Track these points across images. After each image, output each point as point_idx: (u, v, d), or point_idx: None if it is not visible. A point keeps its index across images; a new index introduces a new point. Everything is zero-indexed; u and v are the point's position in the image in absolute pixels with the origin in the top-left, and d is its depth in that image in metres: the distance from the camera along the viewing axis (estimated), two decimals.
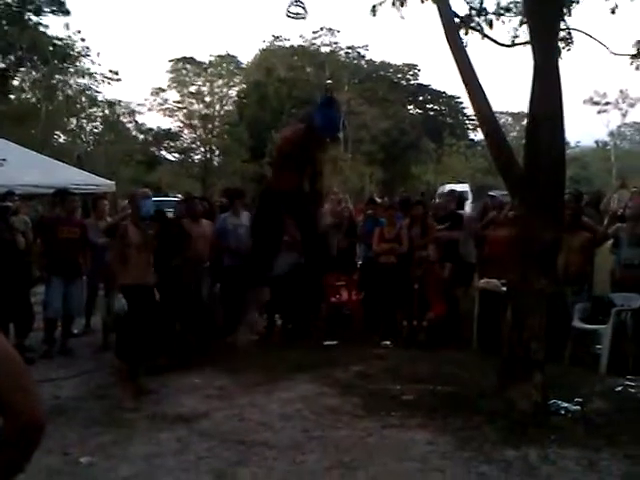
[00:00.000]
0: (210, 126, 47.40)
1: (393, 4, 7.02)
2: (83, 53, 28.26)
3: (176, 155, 48.09)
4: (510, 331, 5.47)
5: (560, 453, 4.56)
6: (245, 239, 8.02)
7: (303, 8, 4.44)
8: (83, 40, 26.24)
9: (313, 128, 3.85)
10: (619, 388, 5.82)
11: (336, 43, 49.71)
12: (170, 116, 48.32)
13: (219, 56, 48.28)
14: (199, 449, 4.81)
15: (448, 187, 19.96)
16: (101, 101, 34.69)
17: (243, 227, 8.24)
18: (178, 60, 47.29)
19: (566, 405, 5.26)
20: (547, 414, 5.17)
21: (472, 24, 6.91)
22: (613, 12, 6.91)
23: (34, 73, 28.95)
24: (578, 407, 5.25)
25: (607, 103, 50.06)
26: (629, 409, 5.36)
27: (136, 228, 6.29)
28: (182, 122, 48.27)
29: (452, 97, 53.47)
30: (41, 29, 17.91)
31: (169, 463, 4.56)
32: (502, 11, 7.26)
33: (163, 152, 47.29)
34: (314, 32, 47.91)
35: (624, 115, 50.94)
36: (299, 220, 4.36)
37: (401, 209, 9.32)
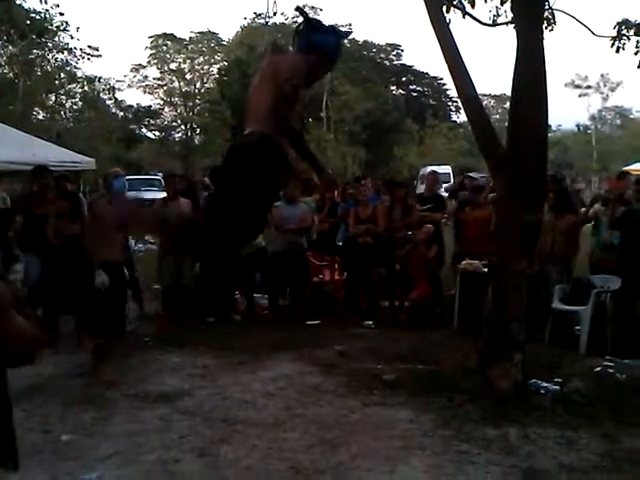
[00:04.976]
0: (191, 104, 46.96)
1: None
2: (62, 28, 27.68)
3: (156, 133, 47.66)
4: (491, 312, 5.51)
5: (540, 432, 4.62)
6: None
7: None
8: (62, 14, 25.69)
9: (321, 56, 3.16)
10: (598, 368, 5.89)
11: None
12: (150, 93, 47.85)
13: (200, 32, 47.72)
14: (181, 427, 4.81)
15: (430, 168, 19.96)
16: (80, 77, 34.15)
17: None
18: (158, 36, 46.67)
19: (546, 385, 5.31)
20: (527, 394, 5.23)
21: (454, 2, 6.83)
22: None
23: (11, 48, 28.37)
24: (558, 387, 5.31)
25: (588, 87, 50.35)
26: (608, 389, 5.43)
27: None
28: (162, 99, 47.79)
29: (435, 78, 53.42)
30: (17, 2, 17.49)
31: (151, 441, 4.56)
32: None
33: (143, 130, 46.84)
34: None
35: (605, 99, 51.30)
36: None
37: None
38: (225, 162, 3.15)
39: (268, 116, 3.02)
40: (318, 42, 3.14)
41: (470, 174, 11.89)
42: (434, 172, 10.65)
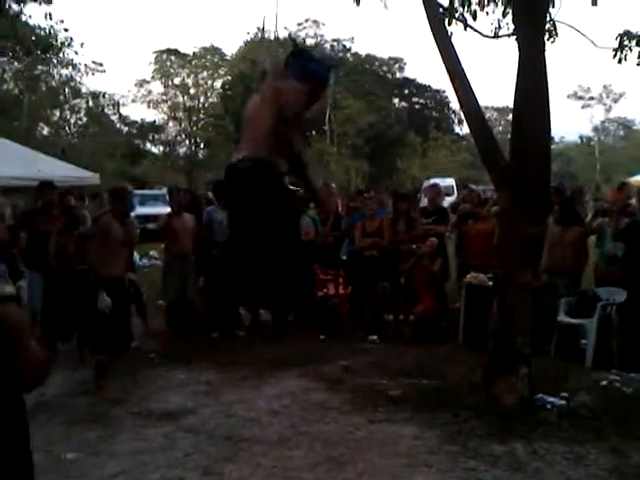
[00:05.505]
0: (195, 118, 47.18)
1: None
2: (66, 43, 27.83)
3: (161, 148, 47.83)
4: (496, 325, 5.48)
5: (547, 447, 4.58)
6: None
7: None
8: (66, 30, 25.78)
9: (319, 82, 3.33)
10: (605, 382, 5.84)
11: (321, 35, 49.67)
12: (154, 108, 48.07)
13: (203, 48, 48.00)
14: (186, 445, 4.79)
15: (433, 181, 19.99)
16: (85, 93, 34.33)
17: None
18: (162, 51, 46.96)
19: (552, 399, 5.27)
20: (533, 408, 5.19)
21: (456, 15, 6.85)
22: (594, 4, 6.85)
23: (16, 64, 28.55)
24: (564, 401, 5.27)
25: (591, 98, 50.44)
26: (614, 403, 5.38)
27: (118, 223, 6.24)
28: (166, 114, 48.00)
29: (438, 91, 53.48)
30: (23, 18, 17.61)
31: (156, 460, 4.53)
32: (486, 1, 7.18)
33: (148, 145, 46.99)
34: (299, 24, 47.77)
35: (608, 110, 51.36)
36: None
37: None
38: (224, 182, 3.33)
39: (267, 137, 3.11)
40: (315, 70, 3.30)
41: (470, 185, 11.91)
42: (436, 185, 10.66)
